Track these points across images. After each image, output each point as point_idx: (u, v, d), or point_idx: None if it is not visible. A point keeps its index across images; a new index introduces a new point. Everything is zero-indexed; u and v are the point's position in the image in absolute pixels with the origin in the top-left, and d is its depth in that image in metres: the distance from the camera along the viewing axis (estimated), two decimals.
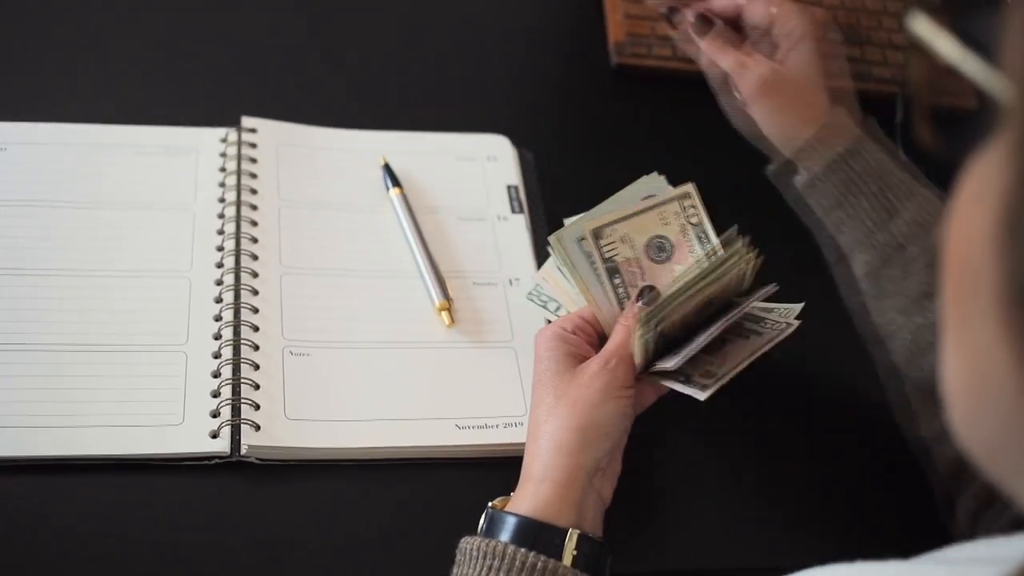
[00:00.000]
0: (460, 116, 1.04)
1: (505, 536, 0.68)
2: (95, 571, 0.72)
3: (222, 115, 0.97)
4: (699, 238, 0.80)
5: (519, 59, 1.14)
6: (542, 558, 0.66)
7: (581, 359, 0.76)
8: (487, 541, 0.68)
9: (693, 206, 0.80)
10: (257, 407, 0.78)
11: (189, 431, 0.76)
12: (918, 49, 0.41)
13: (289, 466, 0.77)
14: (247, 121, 0.96)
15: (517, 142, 1.02)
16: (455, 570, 0.69)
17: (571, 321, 0.78)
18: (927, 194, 0.82)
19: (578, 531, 0.68)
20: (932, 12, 0.41)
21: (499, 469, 0.79)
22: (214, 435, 0.76)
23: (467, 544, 0.69)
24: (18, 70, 0.99)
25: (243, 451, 0.76)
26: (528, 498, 0.70)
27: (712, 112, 1.14)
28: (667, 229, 0.79)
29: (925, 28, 0.41)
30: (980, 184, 0.37)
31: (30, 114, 0.94)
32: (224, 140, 0.95)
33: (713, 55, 0.88)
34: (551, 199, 0.98)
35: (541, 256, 0.90)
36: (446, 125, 1.02)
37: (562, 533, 0.68)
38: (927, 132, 0.42)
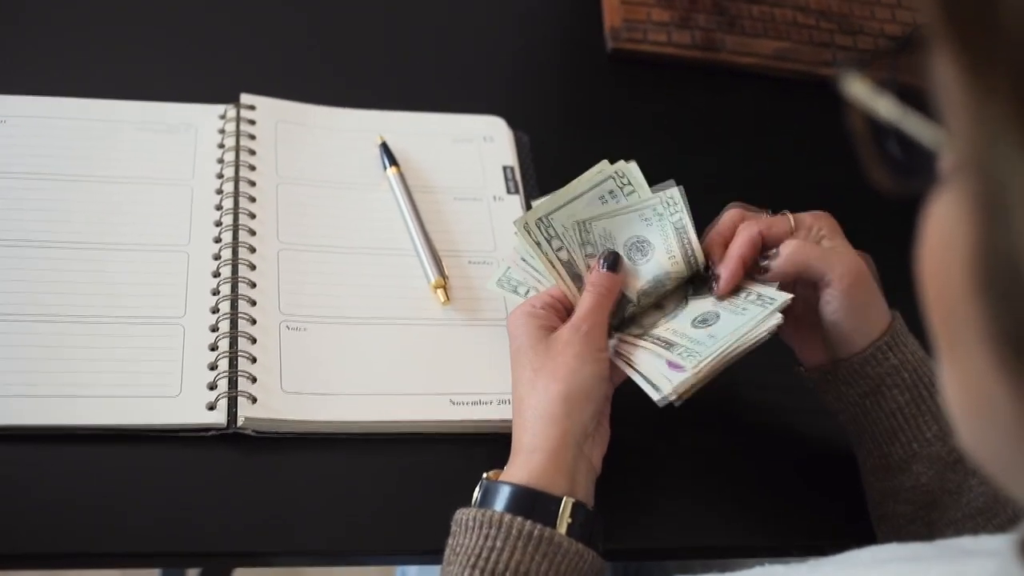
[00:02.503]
0: (457, 97, 1.05)
1: (500, 505, 0.69)
2: (91, 541, 0.72)
3: (221, 92, 0.97)
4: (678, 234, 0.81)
5: (516, 42, 1.15)
6: (538, 526, 0.67)
7: (552, 331, 0.77)
8: (483, 511, 0.68)
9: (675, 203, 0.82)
10: (254, 380, 0.78)
11: (186, 403, 0.77)
12: (855, 108, 0.41)
13: (285, 439, 0.78)
14: (246, 98, 0.96)
15: (513, 124, 1.02)
16: (451, 541, 0.70)
17: (540, 299, 0.79)
18: None
19: (572, 499, 0.69)
20: (863, 68, 0.41)
21: (493, 444, 0.80)
22: (211, 407, 0.77)
23: (462, 515, 0.70)
24: (19, 43, 0.99)
25: (240, 423, 0.77)
26: (520, 468, 0.71)
27: (705, 98, 1.15)
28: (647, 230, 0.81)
29: (860, 90, 0.41)
30: (945, 229, 0.38)
31: (31, 87, 0.94)
32: (223, 117, 0.96)
33: (795, 262, 0.78)
34: (546, 181, 0.98)
35: None
36: (443, 106, 1.03)
37: (557, 501, 0.69)
38: (881, 177, 0.41)
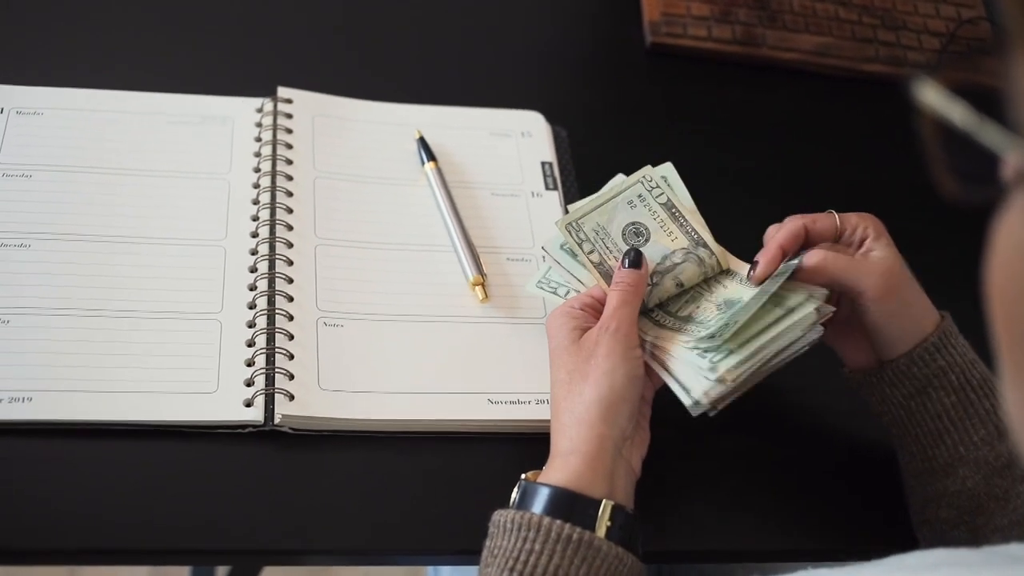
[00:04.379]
0: (495, 92, 1.04)
1: (538, 508, 0.68)
2: (128, 536, 0.72)
3: (258, 85, 0.97)
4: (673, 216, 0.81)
5: (555, 37, 1.14)
6: (577, 530, 0.66)
7: (584, 331, 0.76)
8: (521, 513, 0.68)
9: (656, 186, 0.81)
10: (291, 377, 0.78)
11: (223, 399, 0.77)
12: (927, 116, 0.40)
13: (322, 436, 0.78)
14: (283, 91, 0.96)
15: (551, 119, 1.02)
16: (488, 543, 0.69)
17: (579, 300, 0.78)
18: None
19: (612, 502, 0.68)
20: (936, 74, 0.40)
21: (530, 444, 0.80)
22: (248, 404, 0.77)
23: (501, 517, 0.69)
24: (57, 35, 0.99)
25: (276, 420, 0.76)
26: (558, 470, 0.70)
27: (745, 94, 1.14)
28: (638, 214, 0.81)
29: (933, 96, 0.40)
30: (1017, 239, 0.37)
31: (68, 79, 0.94)
32: (260, 110, 0.95)
33: (823, 272, 0.76)
34: (585, 176, 0.98)
35: None
36: (481, 101, 1.02)
37: (596, 504, 0.68)
38: (950, 185, 0.40)
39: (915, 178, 1.06)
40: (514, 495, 0.71)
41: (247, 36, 1.04)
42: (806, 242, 0.79)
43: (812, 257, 0.76)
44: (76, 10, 1.01)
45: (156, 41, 1.01)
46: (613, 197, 0.81)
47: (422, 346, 0.83)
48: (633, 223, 0.80)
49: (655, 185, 0.81)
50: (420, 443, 0.79)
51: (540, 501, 0.68)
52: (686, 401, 0.73)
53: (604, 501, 0.68)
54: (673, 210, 0.81)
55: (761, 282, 0.77)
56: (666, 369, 0.75)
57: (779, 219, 0.81)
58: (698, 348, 0.74)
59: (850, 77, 1.17)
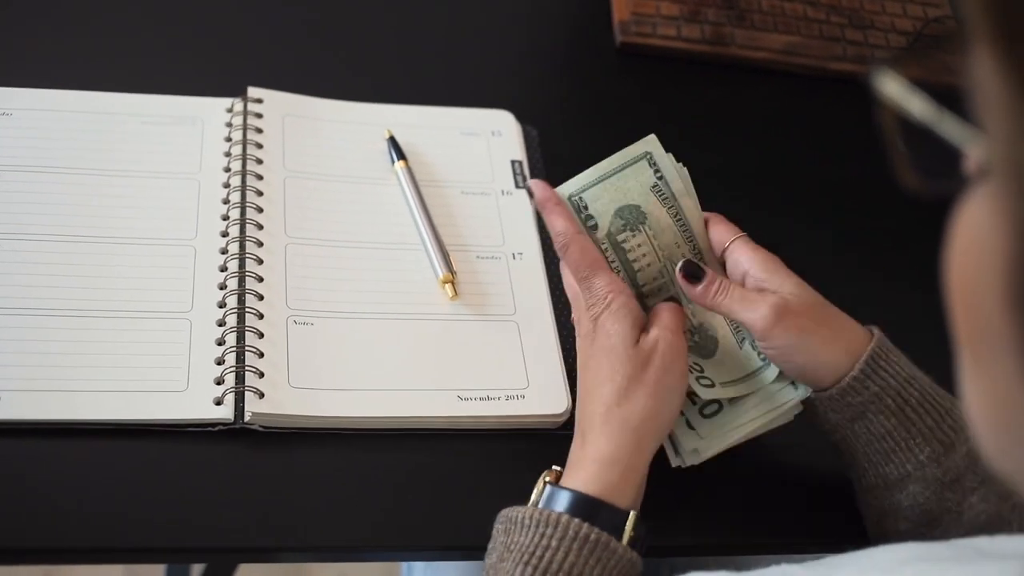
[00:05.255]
0: (465, 91, 1.04)
1: (560, 506, 0.68)
2: (96, 536, 0.72)
3: (228, 85, 0.97)
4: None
5: (525, 36, 1.15)
6: (595, 530, 0.66)
7: (641, 327, 0.75)
8: (541, 510, 0.68)
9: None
10: (261, 375, 0.78)
11: (193, 397, 0.77)
12: (888, 109, 0.40)
13: (292, 434, 0.78)
14: (253, 91, 0.96)
15: (522, 118, 1.02)
16: (504, 538, 0.69)
17: (628, 288, 0.76)
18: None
19: (636, 513, 0.68)
20: (898, 65, 0.40)
21: (500, 441, 0.80)
22: (218, 402, 0.77)
23: (518, 513, 0.69)
24: (26, 35, 0.99)
25: (247, 418, 0.76)
26: (595, 477, 0.69)
27: (714, 92, 1.15)
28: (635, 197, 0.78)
29: (893, 88, 0.40)
30: (978, 234, 0.37)
31: (37, 80, 0.94)
32: (230, 110, 0.95)
33: (714, 306, 0.76)
34: (554, 175, 0.98)
35: (544, 231, 0.90)
36: (452, 100, 1.02)
37: (623, 514, 0.68)
38: (910, 177, 0.40)
39: (883, 175, 1.08)
40: (537, 495, 0.71)
41: (217, 36, 1.04)
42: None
43: (707, 284, 0.76)
44: (45, 11, 1.01)
45: (126, 41, 1.01)
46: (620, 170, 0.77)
47: (392, 343, 0.83)
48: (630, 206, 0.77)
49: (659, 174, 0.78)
50: (390, 440, 0.79)
51: (563, 501, 0.68)
52: (672, 461, 0.77)
53: (632, 513, 0.68)
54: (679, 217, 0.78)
55: (702, 301, 0.77)
56: None
57: (746, 216, 0.81)
58: (687, 435, 0.77)
59: (818, 76, 1.18)
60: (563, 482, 0.70)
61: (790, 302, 0.73)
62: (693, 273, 0.76)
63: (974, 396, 0.40)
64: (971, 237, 0.37)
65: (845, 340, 0.74)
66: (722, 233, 0.78)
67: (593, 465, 0.70)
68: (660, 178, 0.77)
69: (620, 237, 0.77)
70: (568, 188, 0.78)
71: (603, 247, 0.77)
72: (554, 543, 0.66)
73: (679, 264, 0.77)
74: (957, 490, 0.73)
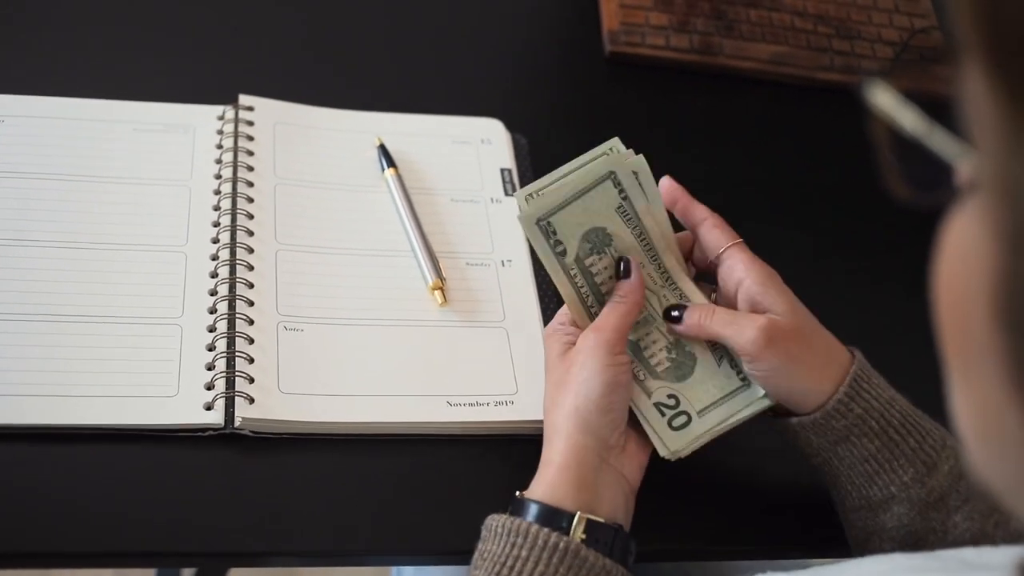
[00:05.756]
0: (455, 99, 1.05)
1: (529, 517, 0.69)
2: (86, 541, 0.72)
3: (219, 93, 0.97)
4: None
5: (515, 45, 1.15)
6: (564, 539, 0.67)
7: (572, 344, 0.77)
8: (512, 519, 0.68)
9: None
10: (251, 380, 0.79)
11: (184, 403, 0.77)
12: (878, 119, 0.40)
13: (282, 439, 0.78)
14: (244, 99, 0.96)
15: (511, 126, 1.03)
16: (480, 545, 0.70)
17: (565, 314, 0.79)
18: (951, 436, 0.75)
19: (587, 515, 0.68)
20: (890, 77, 0.40)
21: (489, 446, 0.81)
22: (208, 407, 0.77)
23: (494, 521, 0.70)
24: (18, 43, 0.99)
25: (237, 423, 0.77)
26: (538, 484, 0.71)
27: (703, 102, 1.15)
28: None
29: (884, 99, 0.40)
30: (965, 248, 0.37)
31: (29, 87, 0.94)
32: (221, 117, 0.96)
33: (701, 333, 0.77)
34: None
35: None
36: (441, 108, 1.03)
37: (569, 517, 0.68)
38: (900, 189, 0.40)
39: (870, 183, 1.09)
40: (510, 508, 0.71)
41: (209, 44, 1.04)
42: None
43: (691, 315, 0.77)
44: (37, 18, 1.02)
45: (118, 49, 1.01)
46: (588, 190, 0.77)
47: (381, 349, 0.84)
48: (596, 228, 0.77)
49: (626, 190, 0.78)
50: (380, 445, 0.80)
51: (531, 511, 0.69)
52: (661, 452, 0.77)
53: (578, 514, 0.68)
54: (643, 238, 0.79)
55: (687, 334, 0.78)
56: (642, 414, 0.78)
57: (734, 224, 0.81)
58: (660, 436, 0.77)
59: (806, 85, 1.19)
60: (527, 492, 0.71)
61: (779, 324, 0.73)
62: (674, 317, 0.77)
63: (962, 408, 0.39)
64: (959, 250, 0.37)
65: (829, 364, 0.74)
66: (718, 238, 0.78)
67: (539, 471, 0.72)
68: (625, 198, 0.77)
69: (588, 261, 0.77)
70: (536, 209, 0.76)
71: (572, 272, 0.77)
72: (524, 553, 0.67)
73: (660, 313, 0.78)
74: (941, 509, 0.73)
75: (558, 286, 0.77)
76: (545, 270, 0.77)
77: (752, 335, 0.73)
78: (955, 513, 0.73)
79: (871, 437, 0.73)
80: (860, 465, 0.74)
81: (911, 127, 0.39)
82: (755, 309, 0.75)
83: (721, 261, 0.78)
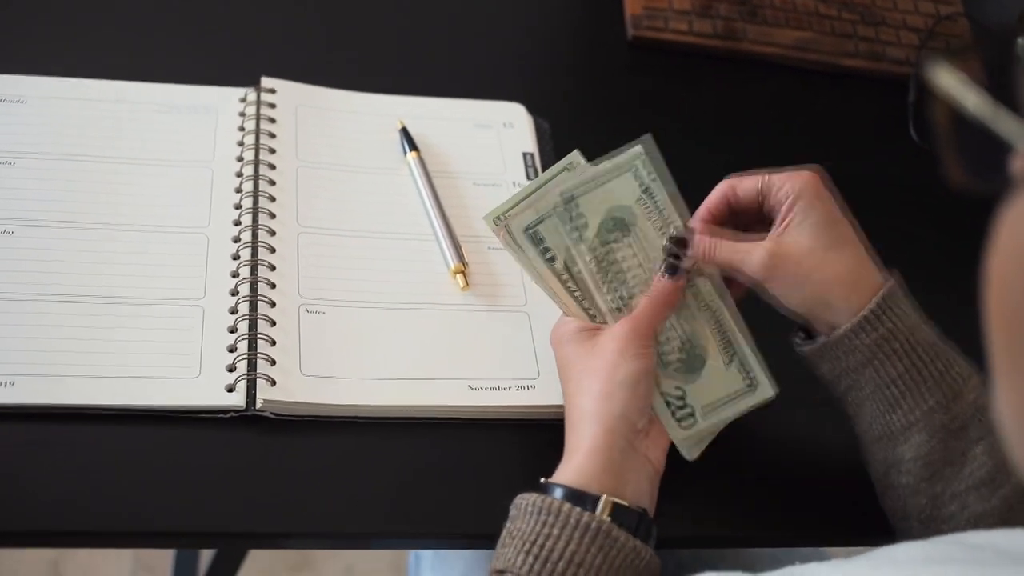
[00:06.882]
0: (478, 83, 1.04)
1: (558, 495, 0.69)
2: (107, 519, 0.72)
3: (242, 75, 0.97)
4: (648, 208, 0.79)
5: (537, 29, 1.15)
6: (596, 518, 0.67)
7: (595, 331, 0.77)
8: (542, 497, 0.68)
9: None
10: (273, 363, 0.79)
11: (205, 384, 0.77)
12: (942, 98, 0.39)
13: (303, 421, 0.78)
14: (267, 82, 0.96)
15: (533, 110, 1.02)
16: (509, 524, 0.70)
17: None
18: (978, 373, 0.74)
19: (613, 499, 0.68)
20: (955, 59, 0.39)
21: (510, 430, 0.81)
22: (230, 389, 0.77)
23: (523, 500, 0.69)
24: (40, 24, 0.99)
25: (258, 405, 0.77)
26: (564, 470, 0.71)
27: (725, 87, 1.15)
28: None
29: (950, 81, 0.39)
30: (1018, 231, 0.36)
31: (51, 68, 0.94)
32: (243, 100, 0.96)
33: (708, 263, 0.78)
34: None
35: None
36: (463, 92, 1.03)
37: (595, 500, 0.68)
38: (957, 173, 0.39)
39: (894, 172, 1.08)
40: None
41: (231, 26, 1.04)
42: (734, 207, 0.79)
43: (699, 245, 0.76)
44: (60, 0, 1.02)
45: (140, 30, 1.01)
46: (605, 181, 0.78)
47: (403, 333, 0.84)
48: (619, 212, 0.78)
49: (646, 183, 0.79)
50: (401, 429, 0.80)
51: (555, 495, 0.69)
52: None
53: (604, 497, 0.68)
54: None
55: (697, 263, 0.78)
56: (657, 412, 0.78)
57: None
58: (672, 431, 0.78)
59: (829, 72, 1.18)
60: (552, 478, 0.71)
61: (786, 245, 0.74)
62: (679, 245, 0.77)
63: (1007, 405, 0.39)
64: (1016, 240, 0.37)
65: (857, 282, 0.74)
66: (775, 182, 0.78)
67: (565, 458, 0.72)
68: (646, 191, 0.78)
69: (605, 249, 0.78)
70: (560, 184, 0.77)
71: (594, 251, 0.77)
72: (556, 531, 0.67)
73: (661, 265, 0.77)
74: (962, 438, 0.73)
75: (552, 288, 0.78)
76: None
77: (758, 258, 0.74)
78: (975, 445, 0.72)
79: (897, 358, 0.73)
80: (884, 390, 0.74)
81: (975, 109, 0.38)
82: (785, 220, 0.75)
83: (770, 183, 0.78)
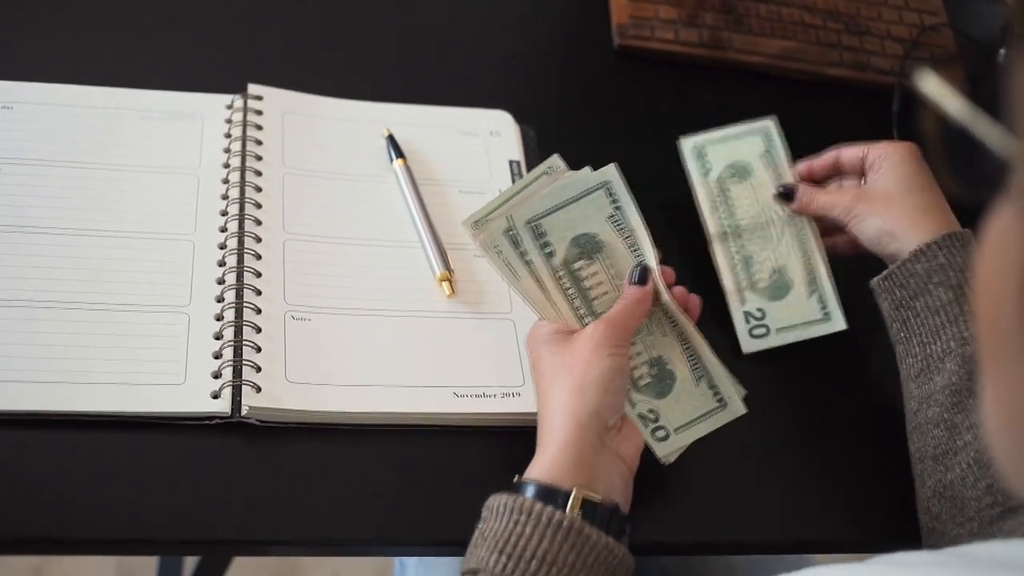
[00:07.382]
0: (464, 91, 1.05)
1: (529, 494, 0.69)
2: (93, 526, 0.72)
3: (229, 82, 0.97)
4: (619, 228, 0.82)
5: (524, 37, 1.15)
6: (567, 516, 0.67)
7: (570, 334, 0.77)
8: (513, 497, 0.69)
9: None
10: (258, 369, 0.79)
11: (190, 391, 0.77)
12: (929, 106, 0.40)
13: (288, 428, 0.78)
14: (253, 88, 0.96)
15: (520, 118, 1.03)
16: (481, 525, 0.70)
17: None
18: None
19: (584, 493, 0.69)
20: (941, 67, 0.40)
21: (496, 438, 0.81)
22: (215, 396, 0.77)
23: (495, 501, 0.70)
24: (26, 30, 0.99)
25: (243, 412, 0.77)
26: (536, 464, 0.72)
27: (711, 96, 1.15)
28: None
29: (934, 87, 0.40)
30: (1004, 242, 0.37)
31: (39, 75, 0.94)
32: (230, 107, 0.96)
33: (807, 208, 0.91)
34: None
35: None
36: (450, 100, 1.03)
37: (565, 495, 0.69)
38: (947, 181, 0.40)
39: None
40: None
41: (218, 33, 1.04)
42: (837, 169, 0.93)
43: (802, 195, 0.91)
44: (45, 6, 1.01)
45: (127, 37, 1.01)
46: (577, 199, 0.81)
47: (389, 340, 0.84)
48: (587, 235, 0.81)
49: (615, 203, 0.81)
50: (386, 436, 0.80)
51: (527, 493, 0.69)
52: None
53: (574, 491, 0.69)
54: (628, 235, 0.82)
55: (800, 209, 0.92)
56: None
57: None
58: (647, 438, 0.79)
59: (814, 81, 1.19)
60: (524, 475, 0.72)
61: (868, 188, 0.88)
62: (786, 195, 0.93)
63: (991, 407, 0.39)
64: (998, 245, 0.37)
65: (925, 223, 0.83)
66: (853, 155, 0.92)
67: (537, 452, 0.73)
68: (618, 208, 0.81)
69: (576, 265, 0.80)
70: (525, 212, 0.80)
71: (559, 274, 0.80)
72: (527, 530, 0.67)
73: (632, 272, 0.80)
74: None
75: (528, 291, 0.80)
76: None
77: (846, 200, 0.88)
78: None
79: (946, 287, 0.80)
80: (932, 318, 0.81)
81: (958, 115, 0.38)
82: (875, 169, 0.89)
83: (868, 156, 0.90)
